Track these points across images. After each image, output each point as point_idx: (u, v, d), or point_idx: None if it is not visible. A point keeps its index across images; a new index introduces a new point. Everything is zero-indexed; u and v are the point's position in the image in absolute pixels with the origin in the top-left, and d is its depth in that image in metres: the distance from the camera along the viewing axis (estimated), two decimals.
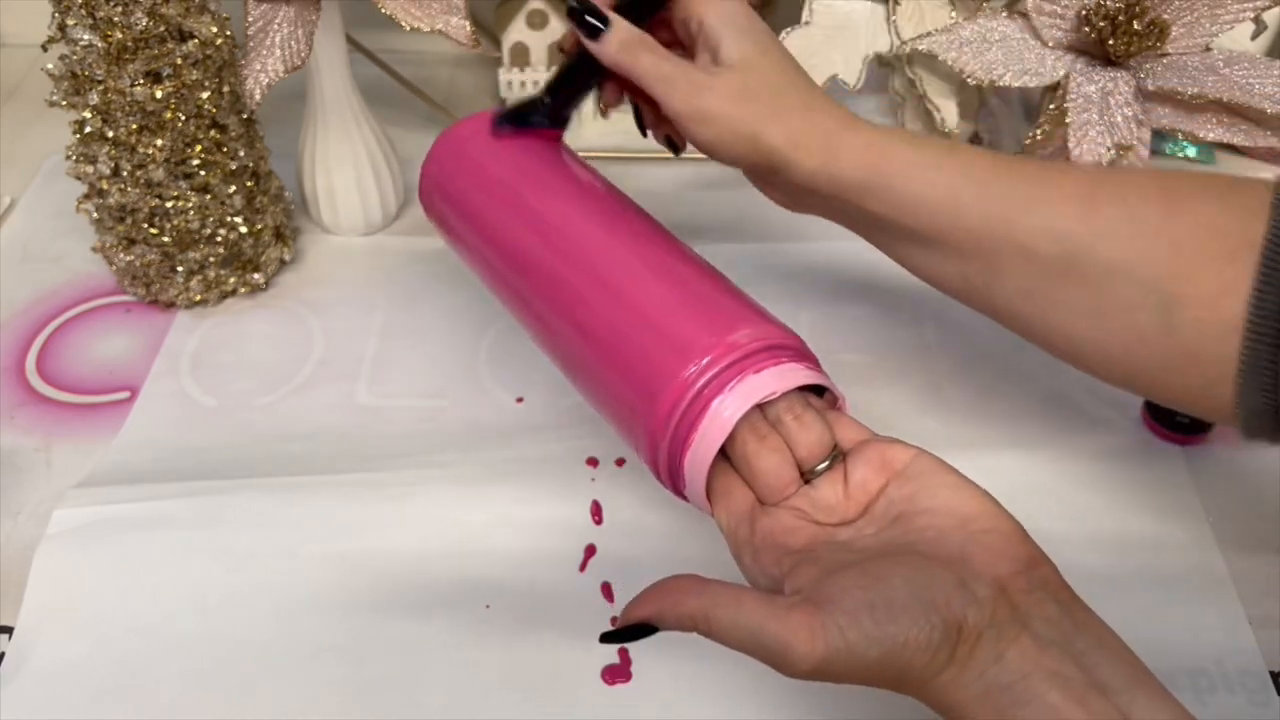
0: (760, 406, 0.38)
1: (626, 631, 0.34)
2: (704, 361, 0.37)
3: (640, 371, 0.39)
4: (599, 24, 0.43)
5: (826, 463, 0.37)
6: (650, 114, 0.48)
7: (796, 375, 0.38)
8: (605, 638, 0.35)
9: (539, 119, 0.48)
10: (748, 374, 0.37)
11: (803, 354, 0.40)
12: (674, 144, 0.49)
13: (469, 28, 0.60)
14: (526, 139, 0.48)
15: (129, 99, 0.54)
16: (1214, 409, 0.39)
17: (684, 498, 0.40)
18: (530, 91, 0.69)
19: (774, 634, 0.31)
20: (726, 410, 0.37)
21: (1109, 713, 0.30)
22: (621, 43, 0.43)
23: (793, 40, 0.61)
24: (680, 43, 0.46)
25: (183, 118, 0.55)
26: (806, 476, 0.37)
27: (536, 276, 0.44)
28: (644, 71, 0.43)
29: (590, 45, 0.43)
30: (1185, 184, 0.39)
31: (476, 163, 0.49)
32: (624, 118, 0.53)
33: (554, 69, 0.50)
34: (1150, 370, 0.39)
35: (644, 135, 0.50)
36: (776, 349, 0.38)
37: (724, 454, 0.38)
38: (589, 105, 0.49)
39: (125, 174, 0.56)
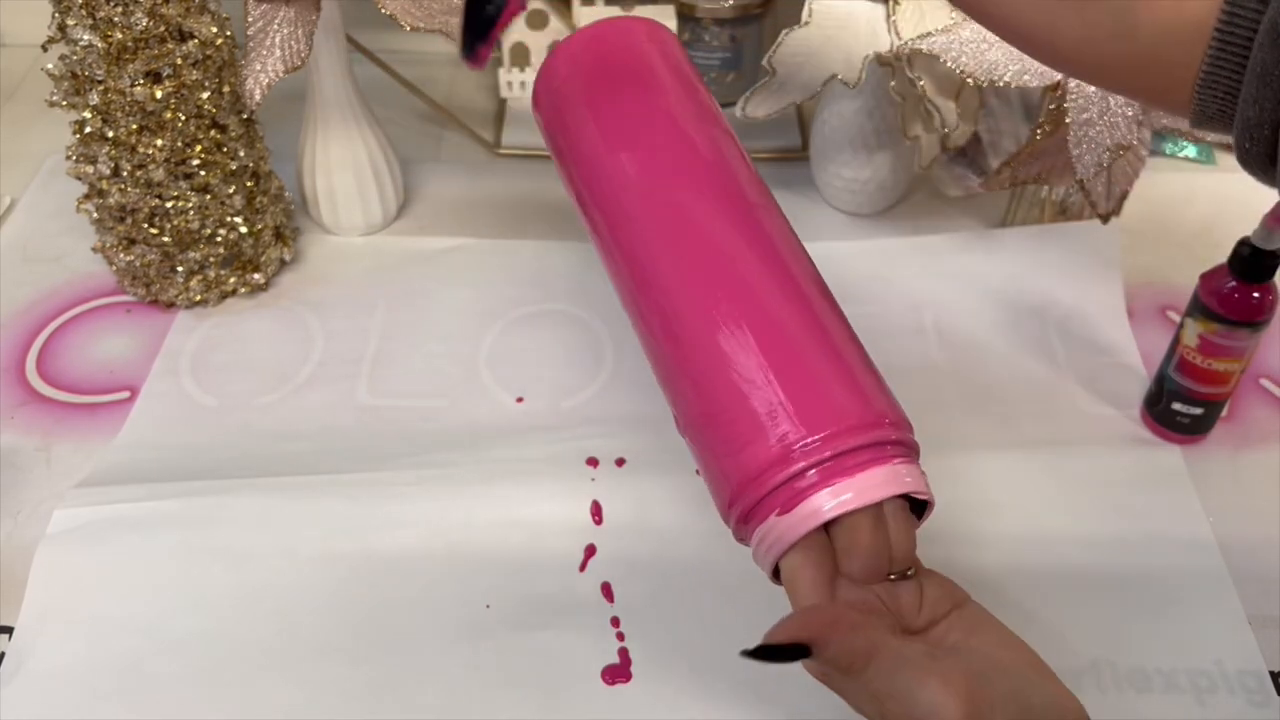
0: None
1: (780, 651, 0.32)
2: (820, 436, 0.36)
3: (741, 429, 0.37)
4: None
5: (897, 575, 0.37)
6: None
7: (907, 481, 0.37)
8: (757, 655, 0.32)
9: None
10: (870, 468, 0.36)
11: (910, 446, 0.38)
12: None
13: None
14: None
15: (129, 99, 0.54)
16: (1168, 106, 0.36)
17: (742, 538, 0.39)
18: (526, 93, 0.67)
19: (934, 688, 0.31)
20: (826, 506, 0.35)
21: None
22: None
23: (792, 40, 0.61)
24: None
25: (183, 118, 0.55)
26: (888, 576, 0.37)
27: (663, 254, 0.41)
28: None
29: None
30: None
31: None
32: None
33: None
34: (1104, 69, 0.37)
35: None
36: (893, 443, 0.37)
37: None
38: None
39: (125, 174, 0.56)
